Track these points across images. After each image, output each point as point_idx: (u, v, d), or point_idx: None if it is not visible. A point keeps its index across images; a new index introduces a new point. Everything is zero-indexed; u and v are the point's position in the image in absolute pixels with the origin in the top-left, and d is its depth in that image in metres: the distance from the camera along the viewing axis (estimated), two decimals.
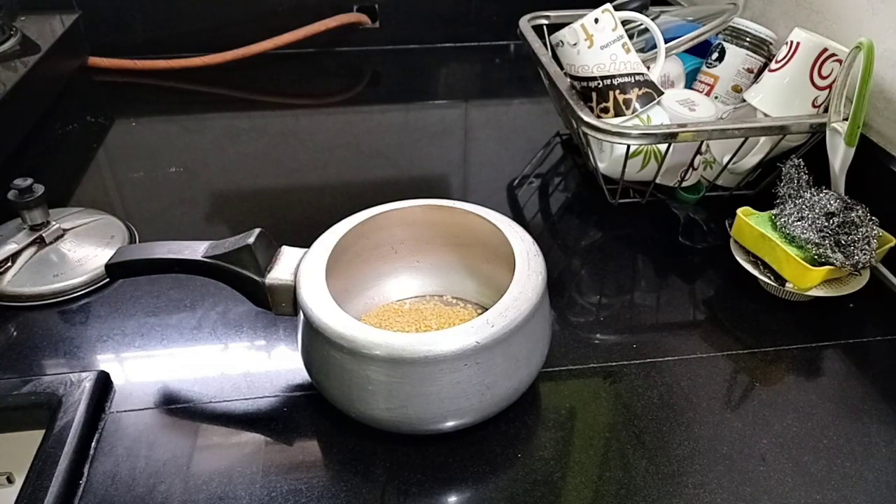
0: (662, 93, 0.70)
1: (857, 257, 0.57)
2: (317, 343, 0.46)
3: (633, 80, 0.68)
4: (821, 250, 0.57)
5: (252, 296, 0.51)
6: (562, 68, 0.72)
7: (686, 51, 0.75)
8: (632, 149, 0.67)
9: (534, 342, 0.48)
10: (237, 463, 0.47)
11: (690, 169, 0.71)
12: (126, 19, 1.08)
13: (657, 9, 0.87)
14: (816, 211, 0.58)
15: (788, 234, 0.59)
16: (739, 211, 0.62)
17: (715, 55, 0.76)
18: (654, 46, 0.73)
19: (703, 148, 0.69)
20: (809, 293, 0.58)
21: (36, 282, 0.62)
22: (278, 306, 0.50)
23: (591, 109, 0.69)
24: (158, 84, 1.05)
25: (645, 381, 0.54)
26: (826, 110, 0.64)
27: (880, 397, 0.53)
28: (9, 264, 0.63)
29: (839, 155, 0.62)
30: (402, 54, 1.15)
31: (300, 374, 0.53)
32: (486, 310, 0.45)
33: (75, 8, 1.05)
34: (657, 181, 0.72)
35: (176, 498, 0.45)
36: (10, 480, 0.56)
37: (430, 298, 0.59)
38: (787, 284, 0.58)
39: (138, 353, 0.56)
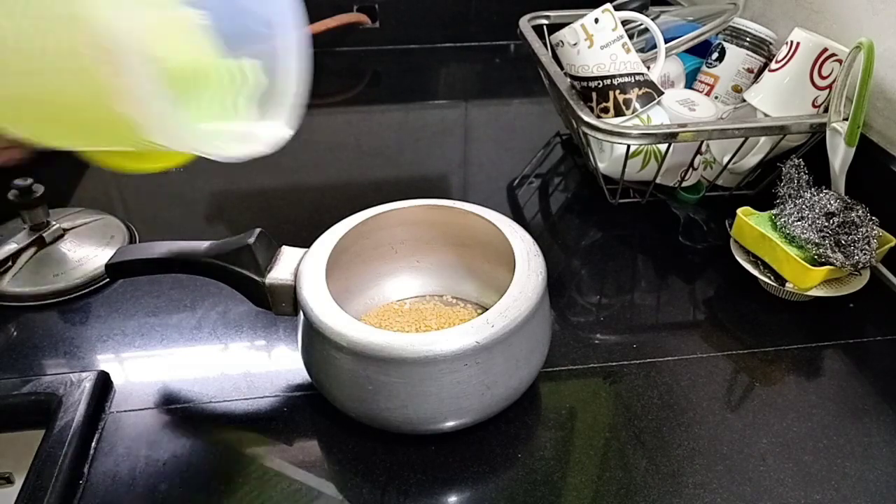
0: (662, 93, 0.70)
1: (857, 257, 0.57)
2: (317, 343, 0.46)
3: (633, 80, 0.68)
4: (821, 250, 0.57)
5: (252, 296, 0.51)
6: (562, 68, 0.72)
7: (686, 51, 0.75)
8: (632, 149, 0.67)
9: (534, 342, 0.48)
10: (237, 463, 0.47)
11: (690, 169, 0.71)
12: None
13: (657, 9, 0.87)
14: (816, 211, 0.58)
15: (788, 234, 0.59)
16: (739, 211, 0.62)
17: (715, 55, 0.76)
18: (654, 46, 0.73)
19: (703, 148, 0.69)
20: (809, 293, 0.58)
21: (36, 282, 0.62)
22: (278, 306, 0.50)
23: (591, 109, 0.69)
24: None
25: (645, 381, 0.54)
26: (826, 110, 0.64)
27: (880, 397, 0.53)
28: (9, 264, 0.63)
29: (839, 155, 0.62)
30: (402, 54, 1.15)
31: (300, 374, 0.53)
32: (486, 310, 0.45)
33: None
34: (657, 181, 0.72)
35: (176, 498, 0.45)
36: (10, 480, 0.56)
37: (430, 298, 0.59)
38: (787, 284, 0.58)
39: (138, 353, 0.56)
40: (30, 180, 0.63)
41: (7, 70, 0.37)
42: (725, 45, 0.75)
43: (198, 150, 0.39)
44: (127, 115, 0.35)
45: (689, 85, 0.79)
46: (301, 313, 0.48)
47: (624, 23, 0.70)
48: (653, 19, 0.77)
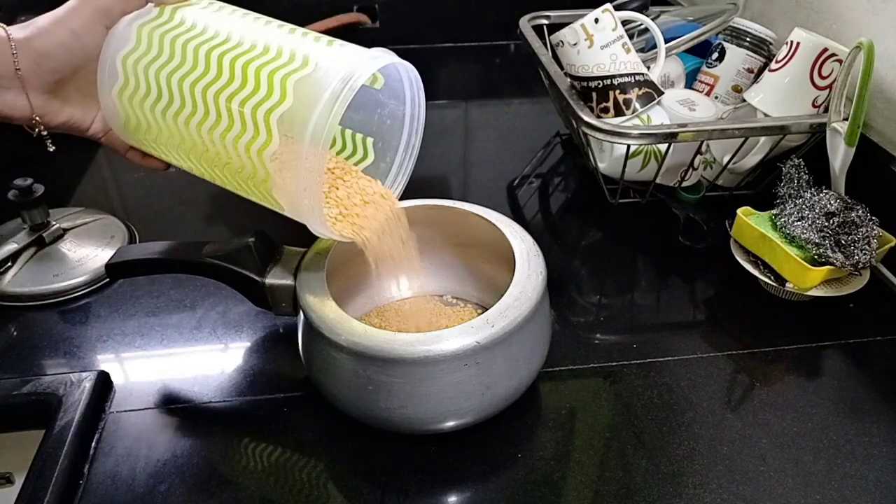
0: (662, 93, 0.70)
1: (857, 257, 0.57)
2: (317, 343, 0.46)
3: (633, 80, 0.68)
4: (821, 250, 0.57)
5: (252, 296, 0.51)
6: (562, 68, 0.72)
7: (686, 51, 0.75)
8: (632, 149, 0.67)
9: (534, 342, 0.48)
10: (237, 463, 0.47)
11: (690, 169, 0.71)
12: None
13: (657, 9, 0.87)
14: (816, 211, 0.58)
15: (788, 234, 0.59)
16: (739, 211, 0.62)
17: (715, 55, 0.76)
18: (654, 46, 0.73)
19: (703, 148, 0.69)
20: (809, 293, 0.58)
21: (36, 282, 0.62)
22: (278, 306, 0.50)
23: (591, 109, 0.69)
24: None
25: (645, 381, 0.54)
26: (826, 110, 0.64)
27: (880, 397, 0.53)
28: (9, 264, 0.63)
29: (839, 155, 0.62)
30: (402, 54, 1.15)
31: (300, 374, 0.53)
32: (486, 310, 0.45)
33: None
34: (657, 181, 0.72)
35: (176, 498, 0.45)
36: (10, 480, 0.56)
37: (430, 298, 0.59)
38: (787, 284, 0.58)
39: (138, 353, 0.56)
40: (30, 180, 0.63)
41: (207, 159, 0.47)
42: (725, 45, 0.75)
43: (301, 216, 0.45)
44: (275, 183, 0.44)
45: (689, 85, 0.79)
46: (301, 313, 0.48)
47: (624, 23, 0.70)
48: (653, 19, 0.77)
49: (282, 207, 0.46)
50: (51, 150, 0.51)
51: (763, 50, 0.75)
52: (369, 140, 0.53)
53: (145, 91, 0.46)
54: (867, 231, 0.58)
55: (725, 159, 0.69)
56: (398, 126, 0.52)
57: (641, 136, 0.63)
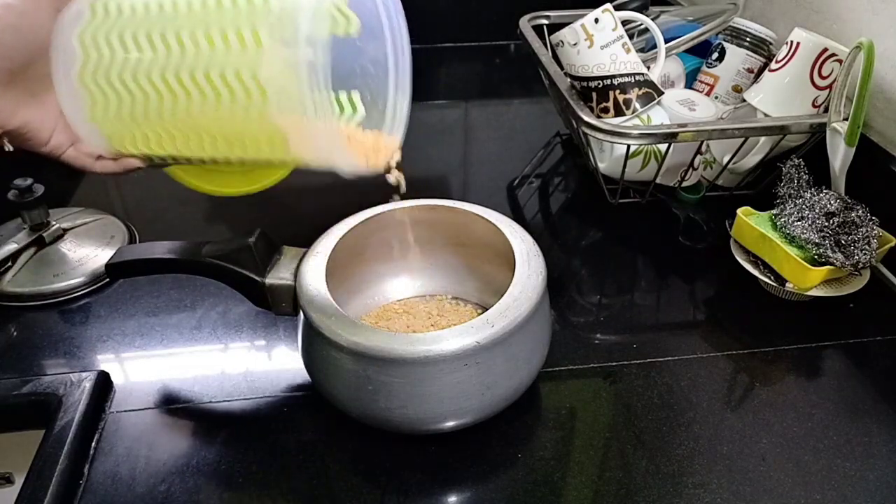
0: (662, 93, 0.70)
1: (857, 257, 0.57)
2: (317, 343, 0.46)
3: (633, 80, 0.68)
4: (821, 250, 0.57)
5: (252, 296, 0.51)
6: (562, 68, 0.72)
7: (686, 51, 0.75)
8: (632, 149, 0.67)
9: (534, 342, 0.48)
10: (237, 463, 0.47)
11: (690, 169, 0.71)
12: None
13: (657, 9, 0.87)
14: (816, 211, 0.58)
15: (788, 234, 0.59)
16: (739, 211, 0.62)
17: (715, 55, 0.76)
18: (654, 46, 0.73)
19: (703, 148, 0.69)
20: (809, 293, 0.58)
21: (36, 282, 0.62)
22: (278, 306, 0.50)
23: (591, 109, 0.69)
24: None
25: (645, 381, 0.54)
26: (826, 110, 0.64)
27: (880, 397, 0.53)
28: (9, 264, 0.63)
29: (839, 155, 0.62)
30: None
31: (300, 374, 0.53)
32: (486, 310, 0.45)
33: None
34: (657, 181, 0.72)
35: (176, 498, 0.45)
36: (10, 480, 0.57)
37: (430, 298, 0.59)
38: (787, 284, 0.58)
39: (138, 353, 0.56)
40: (30, 180, 0.63)
41: (196, 112, 0.41)
42: (725, 45, 0.75)
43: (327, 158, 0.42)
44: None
45: (689, 85, 0.79)
46: (301, 313, 0.48)
47: (624, 23, 0.70)
48: (653, 19, 0.77)
49: (286, 149, 0.41)
50: None
51: (763, 50, 0.75)
52: (355, 94, 0.50)
53: (109, 56, 0.42)
54: (867, 231, 0.58)
55: (725, 159, 0.69)
56: (383, 69, 0.48)
57: (641, 136, 0.63)
